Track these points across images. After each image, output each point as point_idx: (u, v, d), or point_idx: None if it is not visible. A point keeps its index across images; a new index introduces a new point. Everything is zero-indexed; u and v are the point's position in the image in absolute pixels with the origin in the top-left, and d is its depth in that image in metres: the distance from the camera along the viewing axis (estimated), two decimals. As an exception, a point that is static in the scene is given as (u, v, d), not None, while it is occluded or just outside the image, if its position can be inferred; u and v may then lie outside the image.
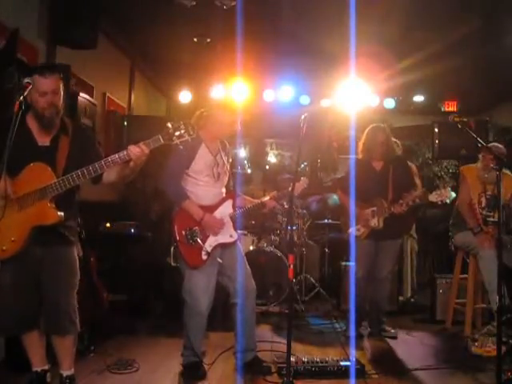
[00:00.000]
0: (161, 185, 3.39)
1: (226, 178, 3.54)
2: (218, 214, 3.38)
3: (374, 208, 4.25)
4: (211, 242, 3.33)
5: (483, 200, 4.38)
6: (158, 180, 3.41)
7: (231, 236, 3.42)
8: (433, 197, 4.00)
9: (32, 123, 2.70)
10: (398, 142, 4.47)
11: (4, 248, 2.57)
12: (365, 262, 4.30)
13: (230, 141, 3.70)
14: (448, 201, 3.97)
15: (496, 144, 4.36)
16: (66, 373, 2.82)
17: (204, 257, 3.29)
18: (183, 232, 3.30)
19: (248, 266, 3.49)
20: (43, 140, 2.71)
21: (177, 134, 2.57)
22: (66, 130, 2.76)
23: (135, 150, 2.59)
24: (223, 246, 3.40)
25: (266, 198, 3.56)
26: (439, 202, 3.99)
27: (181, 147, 2.65)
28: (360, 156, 4.45)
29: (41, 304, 2.73)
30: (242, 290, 3.37)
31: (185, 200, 3.31)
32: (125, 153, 2.60)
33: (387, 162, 4.36)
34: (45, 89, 2.62)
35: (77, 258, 2.83)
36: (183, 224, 3.32)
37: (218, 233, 3.35)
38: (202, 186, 3.37)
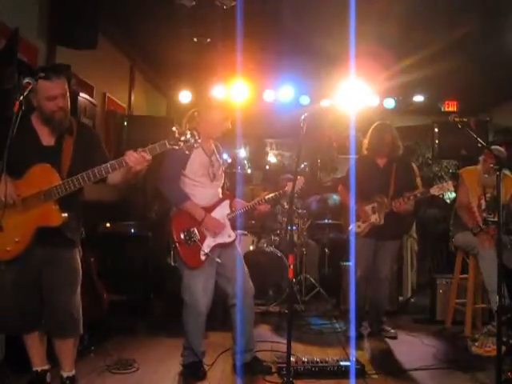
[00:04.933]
0: (160, 187, 3.38)
1: (222, 180, 3.54)
2: (215, 214, 3.38)
3: (375, 204, 4.26)
4: (209, 243, 3.33)
5: (483, 202, 4.37)
6: (157, 182, 3.40)
7: (229, 236, 3.42)
8: (434, 190, 4.00)
9: (37, 124, 2.70)
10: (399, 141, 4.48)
11: (8, 249, 2.57)
12: (364, 262, 4.31)
13: (229, 140, 3.70)
14: (450, 195, 3.97)
15: (497, 147, 4.35)
16: (66, 374, 2.82)
17: (202, 257, 3.29)
18: (181, 233, 3.30)
19: (246, 267, 3.48)
20: (48, 140, 2.72)
21: (182, 138, 2.58)
22: (71, 129, 2.77)
23: (132, 157, 2.56)
24: (222, 246, 3.40)
25: (255, 201, 3.53)
26: (441, 195, 3.97)
27: (187, 152, 2.65)
28: (365, 153, 4.46)
29: (42, 304, 2.72)
30: (240, 291, 3.37)
31: (186, 201, 3.31)
32: (122, 159, 2.59)
33: (391, 160, 4.37)
34: (53, 93, 2.62)
35: (78, 258, 2.83)
36: (181, 225, 3.32)
37: (218, 234, 3.35)
38: (198, 186, 3.37)
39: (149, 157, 2.59)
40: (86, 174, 2.59)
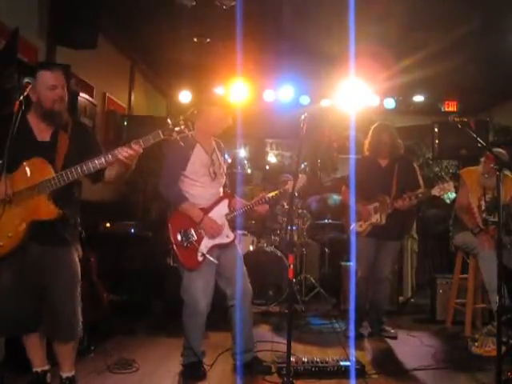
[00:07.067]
0: (159, 188, 3.36)
1: (223, 179, 3.52)
2: (213, 214, 3.36)
3: (377, 204, 4.27)
4: (207, 244, 3.31)
5: (482, 203, 4.37)
6: (157, 183, 3.40)
7: (227, 236, 3.39)
8: (435, 190, 4.01)
9: (33, 120, 2.70)
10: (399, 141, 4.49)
11: (1, 244, 2.54)
12: (366, 262, 4.31)
13: (229, 140, 3.69)
14: (450, 196, 3.97)
15: (499, 149, 4.35)
16: (66, 374, 2.81)
17: (200, 258, 3.27)
18: (178, 234, 3.29)
19: (245, 268, 3.47)
20: (43, 136, 2.71)
21: (177, 129, 2.58)
22: (66, 127, 2.77)
23: (124, 152, 2.57)
24: (220, 247, 3.38)
25: (256, 200, 3.48)
26: (442, 196, 3.99)
27: (181, 143, 2.66)
28: (367, 153, 4.48)
29: (41, 306, 2.70)
30: (239, 292, 3.36)
31: (184, 202, 3.30)
32: (114, 151, 2.59)
33: (393, 160, 4.38)
34: (54, 82, 2.64)
35: (77, 259, 2.80)
36: (178, 226, 3.30)
37: (216, 236, 3.34)
38: (198, 186, 3.36)
39: (141, 149, 2.59)
40: (79, 166, 2.58)
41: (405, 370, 3.58)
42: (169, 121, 2.60)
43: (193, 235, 3.30)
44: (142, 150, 2.61)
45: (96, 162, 2.58)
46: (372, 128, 4.47)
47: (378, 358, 3.84)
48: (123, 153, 2.57)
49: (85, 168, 2.58)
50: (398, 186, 4.28)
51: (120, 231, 5.08)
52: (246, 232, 5.58)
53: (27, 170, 2.59)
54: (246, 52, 5.38)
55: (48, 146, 2.69)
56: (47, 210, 2.58)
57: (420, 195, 4.12)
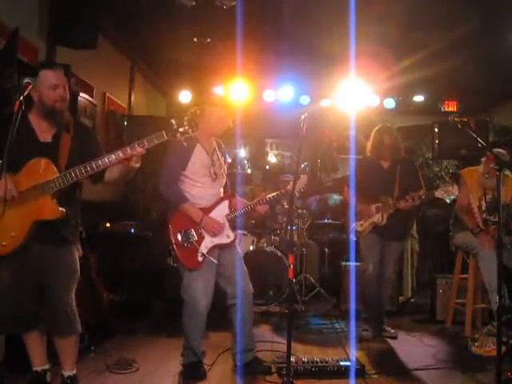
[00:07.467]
0: (160, 188, 3.36)
1: (224, 179, 3.53)
2: (213, 214, 3.37)
3: (379, 204, 4.27)
4: (207, 244, 3.32)
5: (483, 203, 4.37)
6: (158, 183, 3.40)
7: (228, 237, 3.40)
8: (439, 193, 4.02)
9: (35, 120, 2.70)
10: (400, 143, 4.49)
11: (4, 243, 2.54)
12: (374, 256, 4.29)
13: (229, 140, 3.68)
14: (452, 197, 3.98)
15: (500, 150, 4.35)
16: (67, 373, 2.81)
17: (200, 259, 3.28)
18: (178, 234, 3.29)
19: (245, 267, 3.48)
20: (45, 137, 2.71)
21: (180, 130, 2.59)
22: (68, 127, 2.77)
23: (128, 154, 2.61)
24: (221, 247, 3.39)
25: (257, 201, 3.48)
26: (445, 198, 4.00)
27: (184, 144, 2.67)
28: (369, 155, 4.49)
29: (41, 304, 2.71)
30: (240, 292, 3.36)
31: (184, 202, 3.30)
32: (128, 149, 2.61)
33: (395, 162, 4.39)
34: (56, 81, 2.64)
35: (77, 257, 2.82)
36: (178, 226, 3.31)
37: (218, 234, 3.34)
38: (199, 187, 3.36)
39: (144, 150, 2.61)
40: (83, 166, 2.59)
41: (405, 369, 3.58)
42: (173, 121, 2.61)
43: (193, 235, 3.30)
44: (144, 151, 2.62)
45: (100, 162, 2.60)
46: (374, 130, 4.48)
47: (378, 358, 3.84)
48: (127, 154, 2.58)
49: (88, 168, 2.59)
50: (401, 186, 4.29)
51: (120, 231, 5.09)
52: (246, 232, 5.58)
53: (31, 170, 2.59)
54: (246, 52, 5.38)
55: (50, 146, 2.69)
56: (51, 210, 2.59)
57: (423, 196, 4.13)
